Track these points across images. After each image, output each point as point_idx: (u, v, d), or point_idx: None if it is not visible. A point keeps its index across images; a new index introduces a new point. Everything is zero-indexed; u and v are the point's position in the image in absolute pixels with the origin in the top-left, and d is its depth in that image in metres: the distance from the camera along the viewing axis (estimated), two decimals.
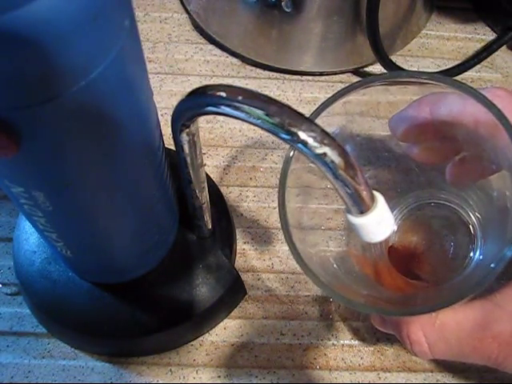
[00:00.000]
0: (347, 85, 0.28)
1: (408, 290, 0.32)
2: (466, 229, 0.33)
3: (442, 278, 0.33)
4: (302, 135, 0.20)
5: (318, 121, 0.28)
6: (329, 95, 0.28)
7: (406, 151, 0.32)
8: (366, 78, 0.29)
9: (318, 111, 0.28)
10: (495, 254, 0.24)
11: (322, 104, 0.28)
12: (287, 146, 0.26)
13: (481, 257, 0.31)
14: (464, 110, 0.27)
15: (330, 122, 0.29)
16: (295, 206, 0.29)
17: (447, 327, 0.28)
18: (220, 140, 0.44)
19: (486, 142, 0.27)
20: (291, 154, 0.28)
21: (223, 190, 0.41)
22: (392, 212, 0.25)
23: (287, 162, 0.28)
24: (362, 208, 0.22)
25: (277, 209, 0.28)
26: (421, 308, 0.27)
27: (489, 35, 0.49)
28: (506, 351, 0.27)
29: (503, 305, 0.27)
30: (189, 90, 0.23)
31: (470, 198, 0.33)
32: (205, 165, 0.41)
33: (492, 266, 0.24)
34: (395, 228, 0.34)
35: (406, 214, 0.34)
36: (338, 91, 0.28)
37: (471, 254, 0.32)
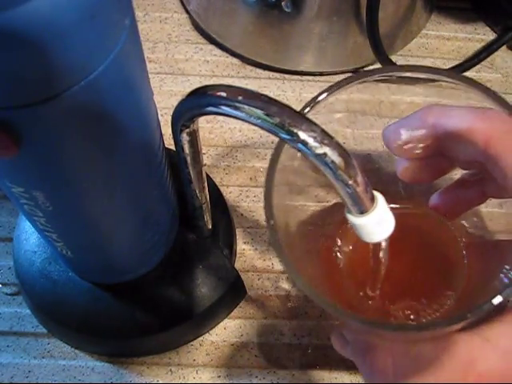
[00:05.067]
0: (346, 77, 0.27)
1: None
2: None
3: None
4: (302, 135, 0.20)
5: (318, 110, 0.27)
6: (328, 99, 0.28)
7: (395, 166, 0.29)
8: (365, 71, 0.28)
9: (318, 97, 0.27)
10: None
11: (322, 93, 0.27)
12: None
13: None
14: (474, 126, 0.24)
15: (330, 119, 0.29)
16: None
17: (424, 359, 0.24)
18: (220, 140, 0.44)
19: (495, 163, 0.24)
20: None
21: (223, 189, 0.41)
22: None
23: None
24: (362, 208, 0.22)
25: None
26: (419, 325, 0.23)
27: (489, 35, 0.49)
28: None
29: (493, 341, 0.23)
30: (189, 90, 0.23)
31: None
32: (205, 165, 0.42)
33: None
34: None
35: None
36: (337, 82, 0.27)
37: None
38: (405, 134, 0.27)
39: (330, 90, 0.27)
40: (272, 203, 0.25)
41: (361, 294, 0.30)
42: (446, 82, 0.27)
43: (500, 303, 0.22)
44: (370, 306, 0.30)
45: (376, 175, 0.33)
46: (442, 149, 0.26)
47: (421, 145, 0.27)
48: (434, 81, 0.28)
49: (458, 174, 0.30)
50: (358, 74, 0.28)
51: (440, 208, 0.30)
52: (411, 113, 0.27)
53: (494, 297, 0.22)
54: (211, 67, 0.47)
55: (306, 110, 0.27)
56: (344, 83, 0.27)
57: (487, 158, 0.24)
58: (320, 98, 0.27)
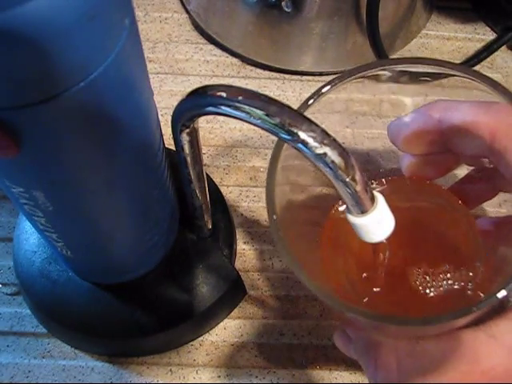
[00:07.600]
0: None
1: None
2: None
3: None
4: (303, 135, 0.20)
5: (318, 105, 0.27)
6: (329, 95, 0.28)
7: (399, 162, 0.29)
8: (364, 65, 0.27)
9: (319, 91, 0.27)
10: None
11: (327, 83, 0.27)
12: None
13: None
14: (480, 119, 0.24)
15: (330, 119, 0.29)
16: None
17: (429, 355, 0.23)
18: (220, 140, 0.44)
19: (501, 157, 0.24)
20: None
21: (223, 189, 0.41)
22: None
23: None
24: (362, 208, 0.22)
25: None
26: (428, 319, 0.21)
27: (489, 35, 0.49)
28: None
29: (499, 337, 0.23)
30: (189, 90, 0.23)
31: None
32: (205, 165, 0.42)
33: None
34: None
35: None
36: (339, 76, 0.27)
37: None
38: (410, 129, 0.26)
39: (334, 82, 0.27)
40: (274, 191, 0.25)
41: (364, 275, 0.29)
42: (454, 75, 0.26)
43: (505, 297, 0.21)
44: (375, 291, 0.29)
45: (375, 174, 0.33)
46: (448, 144, 0.26)
47: (426, 140, 0.26)
48: (438, 75, 0.27)
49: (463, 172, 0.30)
50: (359, 67, 0.27)
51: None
52: (415, 108, 0.26)
53: (498, 291, 0.22)
54: (211, 67, 0.47)
55: (310, 102, 0.27)
56: (348, 75, 0.27)
57: (493, 152, 0.24)
58: (324, 91, 0.27)
